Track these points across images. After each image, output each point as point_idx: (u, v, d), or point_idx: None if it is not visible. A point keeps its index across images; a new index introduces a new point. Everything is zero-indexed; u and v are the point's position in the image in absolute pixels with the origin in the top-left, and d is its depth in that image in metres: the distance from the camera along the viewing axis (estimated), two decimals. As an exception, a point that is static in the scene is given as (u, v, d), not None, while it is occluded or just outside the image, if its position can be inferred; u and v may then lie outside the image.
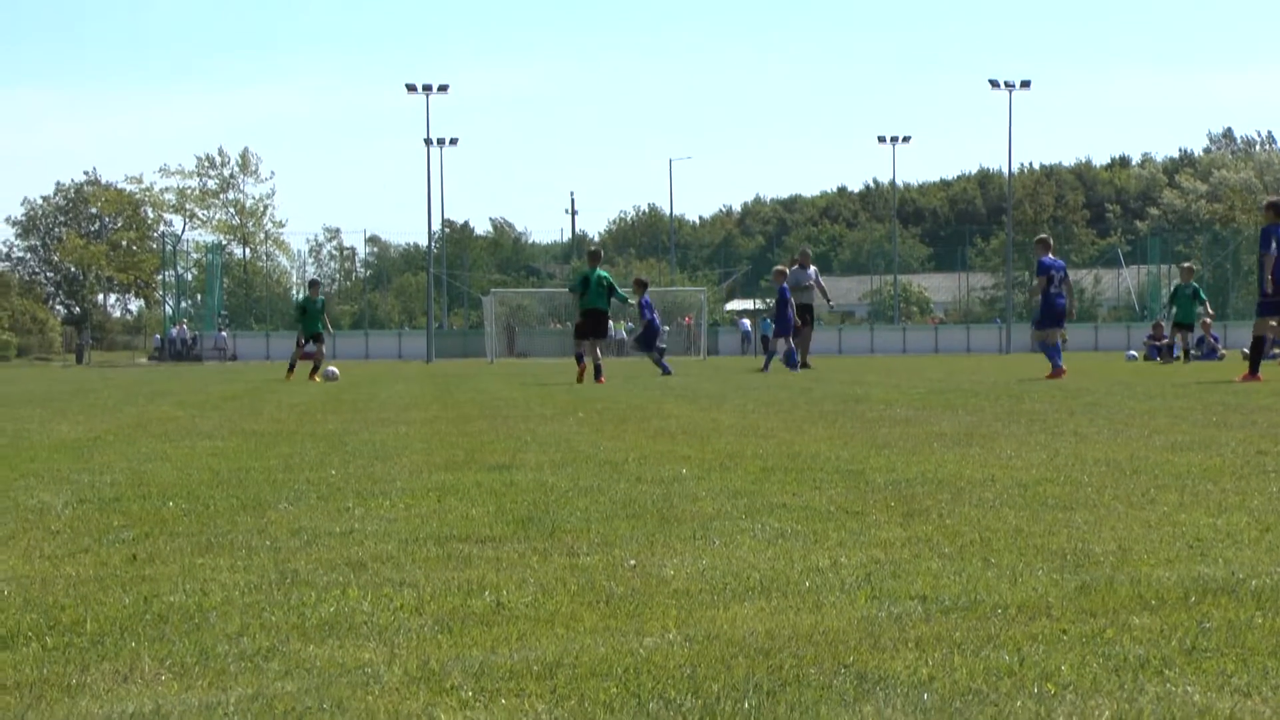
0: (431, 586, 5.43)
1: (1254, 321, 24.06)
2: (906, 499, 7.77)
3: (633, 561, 5.91)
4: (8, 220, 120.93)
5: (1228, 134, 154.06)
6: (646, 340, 35.93)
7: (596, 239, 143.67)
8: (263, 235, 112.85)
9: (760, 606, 4.98)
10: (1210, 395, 17.77)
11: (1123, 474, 8.81)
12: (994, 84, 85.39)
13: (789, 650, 4.31)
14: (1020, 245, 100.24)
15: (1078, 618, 4.70)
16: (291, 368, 35.66)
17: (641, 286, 35.64)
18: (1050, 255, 27.61)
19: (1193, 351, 39.29)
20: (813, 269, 35.43)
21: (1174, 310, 38.98)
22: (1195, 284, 39.28)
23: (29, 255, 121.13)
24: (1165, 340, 42.12)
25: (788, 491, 8.21)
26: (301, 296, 35.99)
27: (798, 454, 10.54)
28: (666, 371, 32.87)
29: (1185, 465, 9.23)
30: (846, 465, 9.60)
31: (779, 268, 36.56)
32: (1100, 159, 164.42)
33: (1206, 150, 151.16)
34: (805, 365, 34.41)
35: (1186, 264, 44.50)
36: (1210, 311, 43.57)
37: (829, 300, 37.05)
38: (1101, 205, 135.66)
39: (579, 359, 27.16)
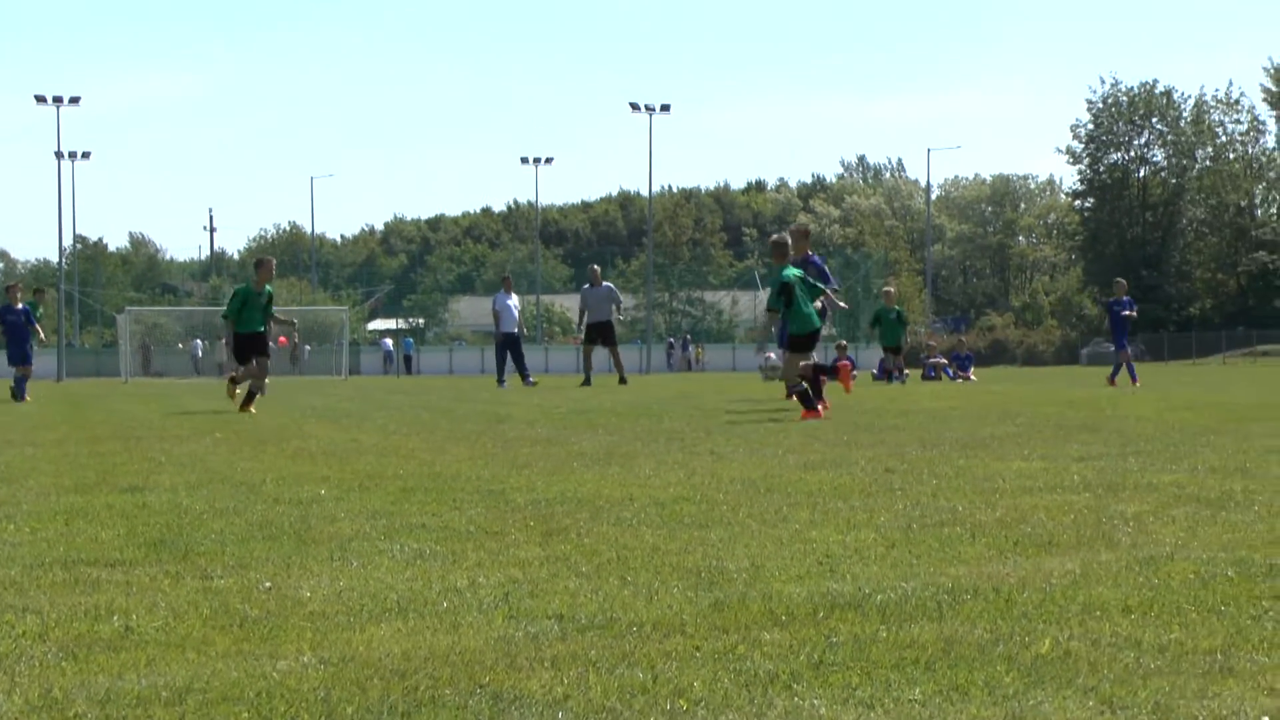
0: (57, 612, 5.27)
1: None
2: (546, 518, 7.82)
3: (268, 584, 5.82)
4: None
5: (861, 161, 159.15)
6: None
7: (236, 257, 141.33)
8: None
9: (397, 627, 4.95)
10: (841, 415, 18.27)
11: (757, 492, 9.00)
12: (635, 107, 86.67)
13: (425, 671, 4.29)
14: (660, 267, 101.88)
15: (711, 634, 4.78)
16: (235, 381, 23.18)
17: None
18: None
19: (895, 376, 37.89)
20: (605, 284, 34.47)
21: (879, 333, 38.18)
22: (898, 308, 39.22)
23: None
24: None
25: (427, 512, 8.19)
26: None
27: (438, 474, 10.52)
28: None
29: (817, 483, 9.46)
30: (487, 485, 9.62)
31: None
32: (738, 183, 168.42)
33: (839, 177, 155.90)
34: (623, 381, 33.67)
35: (888, 288, 44.58)
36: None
37: (620, 312, 35.71)
38: (739, 229, 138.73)
39: (237, 380, 22.72)
